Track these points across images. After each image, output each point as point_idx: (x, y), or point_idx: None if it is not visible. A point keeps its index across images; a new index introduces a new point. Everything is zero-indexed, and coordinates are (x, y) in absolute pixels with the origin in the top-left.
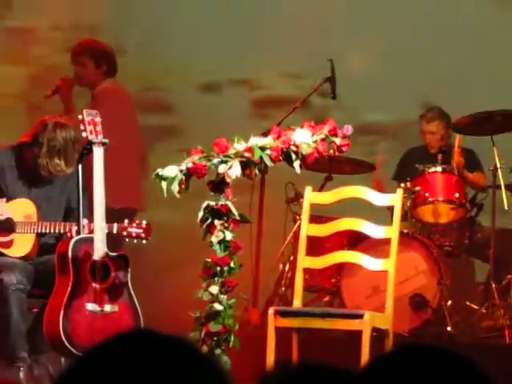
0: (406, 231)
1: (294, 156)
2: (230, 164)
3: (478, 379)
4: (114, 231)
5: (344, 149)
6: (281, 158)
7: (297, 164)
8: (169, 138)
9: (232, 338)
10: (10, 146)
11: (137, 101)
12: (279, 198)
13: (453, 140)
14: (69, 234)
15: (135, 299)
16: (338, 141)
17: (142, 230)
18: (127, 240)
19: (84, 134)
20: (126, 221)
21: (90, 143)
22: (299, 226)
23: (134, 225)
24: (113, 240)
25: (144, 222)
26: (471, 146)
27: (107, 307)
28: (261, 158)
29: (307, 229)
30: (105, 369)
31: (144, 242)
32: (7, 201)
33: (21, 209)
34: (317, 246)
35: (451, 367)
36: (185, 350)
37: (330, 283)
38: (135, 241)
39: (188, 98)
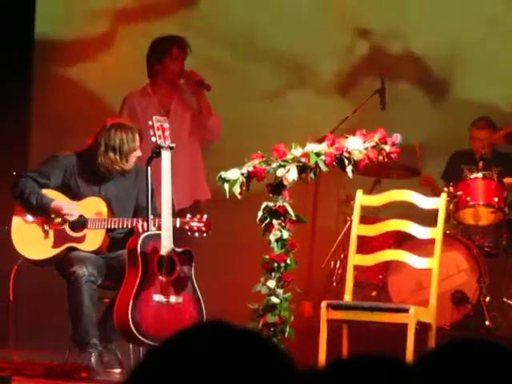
0: (448, 232)
1: (346, 162)
2: (287, 168)
3: None
4: (177, 225)
5: (393, 156)
6: (334, 163)
7: (349, 169)
8: None
9: (287, 329)
10: (78, 150)
11: None
12: (332, 200)
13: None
14: (136, 230)
15: (198, 292)
16: (387, 148)
17: (202, 224)
18: (189, 234)
19: (153, 139)
20: (189, 215)
21: (159, 147)
22: (350, 227)
23: (196, 219)
24: (186, 240)
25: (205, 217)
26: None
27: (172, 298)
28: (316, 163)
29: (358, 229)
30: (180, 359)
31: (205, 235)
32: (79, 199)
33: (92, 207)
34: (364, 245)
35: (503, 361)
36: (255, 339)
37: (377, 279)
38: (196, 234)
39: None
